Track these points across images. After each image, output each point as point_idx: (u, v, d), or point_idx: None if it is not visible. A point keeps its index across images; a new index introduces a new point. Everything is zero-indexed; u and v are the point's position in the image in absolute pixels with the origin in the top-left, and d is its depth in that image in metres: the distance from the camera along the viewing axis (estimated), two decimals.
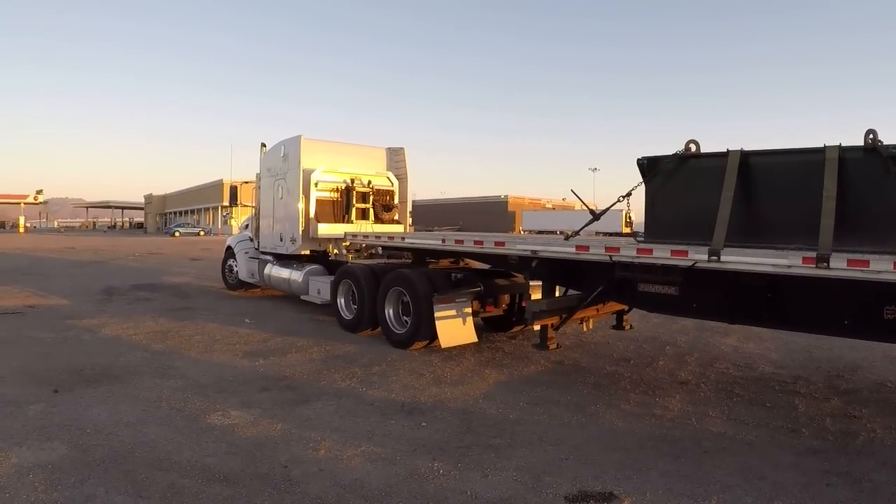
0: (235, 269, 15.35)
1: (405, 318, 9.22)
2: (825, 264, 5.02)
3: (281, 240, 13.07)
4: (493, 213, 73.46)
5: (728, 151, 6.35)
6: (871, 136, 5.57)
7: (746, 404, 6.69)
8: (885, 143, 5.51)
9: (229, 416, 5.94)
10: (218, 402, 6.36)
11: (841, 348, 9.20)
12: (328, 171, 12.68)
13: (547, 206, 79.56)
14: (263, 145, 14.12)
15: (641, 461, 5.07)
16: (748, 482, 4.70)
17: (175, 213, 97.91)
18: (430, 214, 75.37)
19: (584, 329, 8.76)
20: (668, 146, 7.19)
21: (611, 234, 29.06)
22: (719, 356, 8.94)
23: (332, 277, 11.19)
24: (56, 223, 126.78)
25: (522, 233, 56.60)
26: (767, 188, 6.29)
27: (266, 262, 13.90)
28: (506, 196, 78.24)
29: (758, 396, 6.99)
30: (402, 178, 14.00)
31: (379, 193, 13.37)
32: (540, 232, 51.03)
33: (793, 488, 4.62)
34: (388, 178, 13.71)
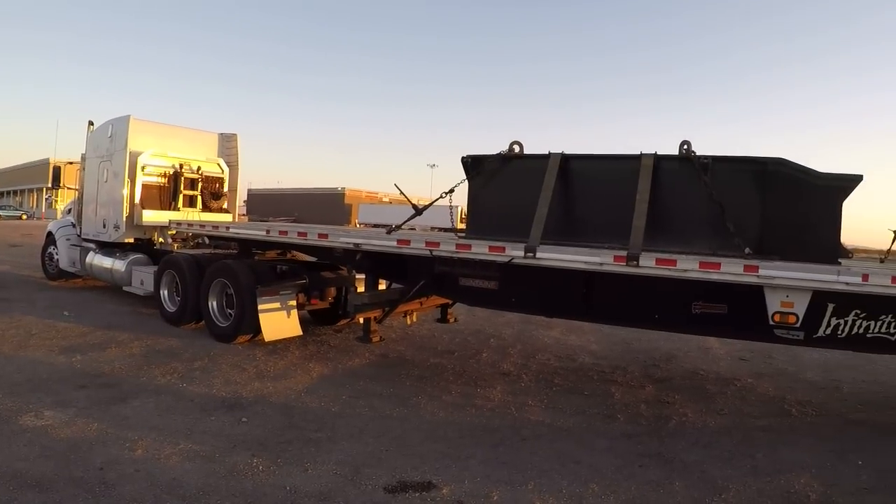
0: (56, 256, 13.99)
1: (229, 310, 8.85)
2: (635, 262, 5.38)
3: (104, 226, 12.08)
4: (331, 204, 72.57)
5: (549, 154, 6.61)
6: (685, 146, 6.02)
7: (565, 393, 7.04)
8: (697, 153, 5.93)
9: (43, 416, 5.48)
10: (31, 401, 5.85)
11: (658, 340, 9.91)
12: (157, 154, 11.88)
13: (384, 199, 79.73)
14: (91, 123, 12.90)
15: (461, 450, 5.17)
16: (564, 466, 4.94)
17: None
18: (266, 204, 73.45)
19: (408, 322, 8.82)
20: (505, 144, 7.42)
21: (446, 230, 29.58)
22: (542, 348, 9.35)
23: (155, 267, 10.52)
24: None
25: (358, 225, 56.38)
26: (586, 190, 6.62)
27: (88, 249, 12.73)
28: (343, 188, 77.75)
29: (576, 386, 7.38)
30: (233, 166, 13.38)
31: (208, 180, 12.69)
32: (375, 225, 51.02)
33: (607, 470, 4.91)
34: (218, 164, 13.05)
